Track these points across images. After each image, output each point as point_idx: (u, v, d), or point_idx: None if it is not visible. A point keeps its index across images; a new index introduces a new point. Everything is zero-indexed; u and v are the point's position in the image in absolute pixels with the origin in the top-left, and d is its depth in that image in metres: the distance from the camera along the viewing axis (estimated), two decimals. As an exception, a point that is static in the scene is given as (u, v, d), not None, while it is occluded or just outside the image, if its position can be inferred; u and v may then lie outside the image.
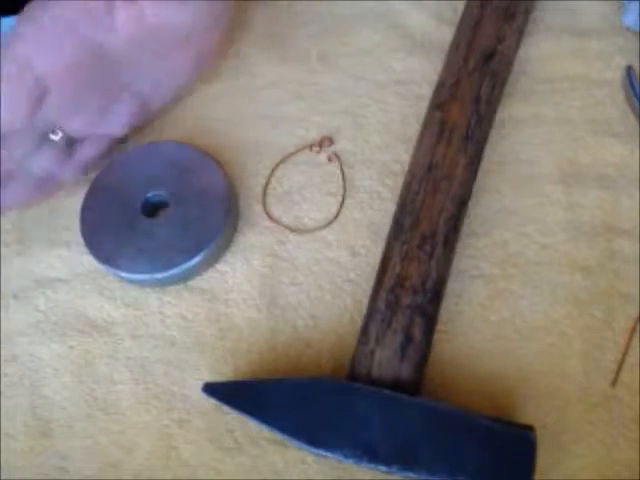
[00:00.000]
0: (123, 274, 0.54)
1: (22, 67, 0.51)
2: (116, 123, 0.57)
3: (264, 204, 0.58)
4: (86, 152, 0.57)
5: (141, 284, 0.55)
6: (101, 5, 0.51)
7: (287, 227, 0.57)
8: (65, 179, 0.57)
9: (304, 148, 0.59)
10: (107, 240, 0.55)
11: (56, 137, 0.54)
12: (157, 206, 0.57)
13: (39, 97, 0.51)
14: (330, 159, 0.59)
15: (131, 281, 0.55)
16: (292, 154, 0.59)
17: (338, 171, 0.58)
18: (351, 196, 0.57)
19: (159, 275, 0.54)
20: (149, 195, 0.56)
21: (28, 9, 0.51)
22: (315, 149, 0.59)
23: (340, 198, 0.57)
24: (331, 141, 0.59)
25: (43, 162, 0.55)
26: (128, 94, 0.56)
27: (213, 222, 0.55)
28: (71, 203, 0.59)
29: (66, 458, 0.51)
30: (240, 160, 0.60)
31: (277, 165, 0.59)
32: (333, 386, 0.47)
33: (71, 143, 0.56)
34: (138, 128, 0.60)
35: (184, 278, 0.55)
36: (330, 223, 0.56)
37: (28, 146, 0.54)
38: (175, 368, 0.53)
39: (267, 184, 0.59)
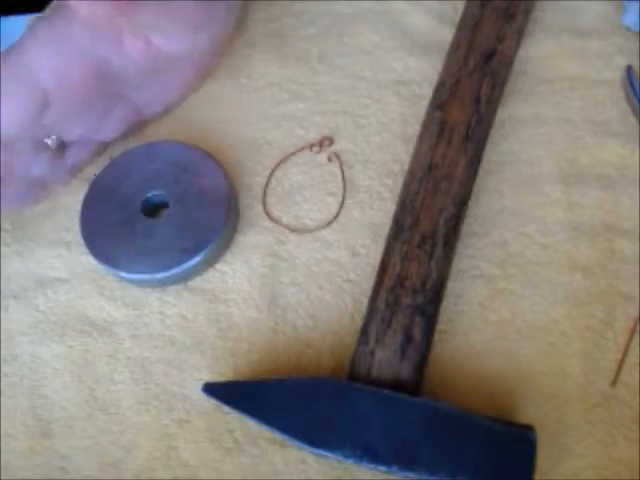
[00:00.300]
0: (123, 274, 0.54)
1: (29, 78, 0.52)
2: (109, 130, 0.58)
3: (264, 204, 0.58)
4: (76, 156, 0.58)
5: (141, 284, 0.55)
6: (110, 32, 0.53)
7: (287, 227, 0.57)
8: (55, 183, 0.59)
9: (304, 148, 0.59)
10: (107, 240, 0.55)
11: (50, 141, 0.55)
12: (157, 206, 0.57)
13: (42, 108, 0.52)
14: (330, 159, 0.59)
15: (131, 281, 0.55)
16: (292, 154, 0.59)
17: (338, 171, 0.58)
18: (351, 196, 0.57)
19: (159, 275, 0.54)
20: (149, 195, 0.56)
21: (38, 25, 0.53)
22: (315, 149, 0.59)
23: (340, 198, 0.57)
24: (331, 141, 0.59)
25: (37, 166, 0.56)
26: (124, 104, 0.57)
27: (213, 222, 0.55)
28: (71, 203, 0.59)
29: (66, 458, 0.51)
30: (240, 160, 0.60)
31: (277, 165, 0.59)
32: (333, 386, 0.47)
33: (63, 147, 0.57)
34: (131, 132, 0.61)
35: (184, 278, 0.55)
36: (330, 223, 0.56)
37: (25, 152, 0.54)
38: (175, 368, 0.53)
39: (267, 184, 0.59)
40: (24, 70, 0.52)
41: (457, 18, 0.61)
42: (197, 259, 0.54)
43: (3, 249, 0.58)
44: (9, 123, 0.51)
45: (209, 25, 0.58)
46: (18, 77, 0.52)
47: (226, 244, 0.56)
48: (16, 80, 0.52)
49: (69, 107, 0.54)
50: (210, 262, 0.55)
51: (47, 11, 0.54)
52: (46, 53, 0.52)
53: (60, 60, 0.52)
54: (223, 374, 0.52)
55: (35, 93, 0.52)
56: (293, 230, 0.56)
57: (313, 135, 0.60)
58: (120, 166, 0.58)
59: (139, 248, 0.54)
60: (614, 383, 0.49)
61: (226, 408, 0.49)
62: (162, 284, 0.55)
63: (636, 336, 0.50)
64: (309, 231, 0.56)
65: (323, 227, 0.56)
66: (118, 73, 0.55)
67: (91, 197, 0.57)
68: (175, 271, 0.54)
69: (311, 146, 0.59)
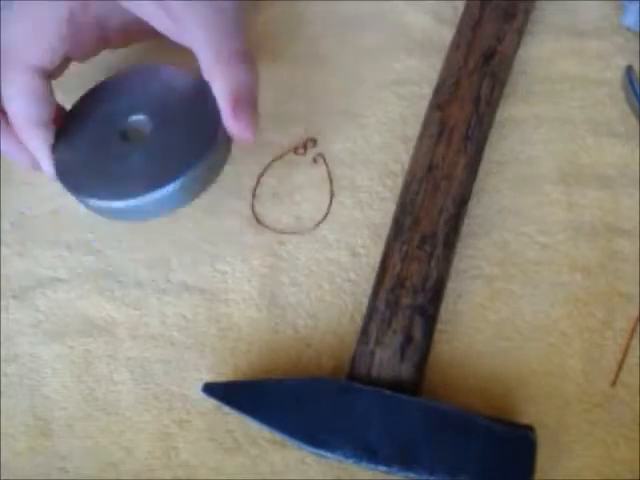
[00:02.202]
0: (94, 201, 0.51)
1: None
2: None
3: (252, 206, 0.57)
4: None
5: (114, 215, 0.51)
6: None
7: (286, 227, 0.57)
8: None
9: (289, 150, 0.59)
10: (79, 167, 0.52)
11: None
12: (138, 132, 0.53)
13: None
14: (315, 160, 0.59)
15: (102, 211, 0.51)
16: (280, 156, 0.59)
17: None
18: (351, 196, 0.57)
19: (132, 202, 0.49)
20: (131, 120, 0.53)
21: None
22: (300, 151, 0.59)
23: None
24: (314, 142, 0.59)
25: None
26: None
27: (195, 150, 0.50)
28: (72, 203, 0.59)
29: (66, 458, 0.51)
30: (239, 159, 0.59)
31: (268, 165, 0.59)
32: (333, 386, 0.47)
33: None
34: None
35: (160, 208, 0.51)
36: (320, 222, 0.56)
37: None
38: (175, 368, 0.53)
39: (257, 184, 0.58)
40: None
41: (457, 18, 0.61)
42: (172, 187, 0.49)
43: (3, 249, 0.58)
44: None
45: None
46: None
47: (210, 177, 0.52)
48: None
49: None
50: (189, 193, 0.51)
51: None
52: None
53: None
54: (223, 374, 0.52)
55: None
56: (289, 231, 0.56)
57: (312, 135, 0.60)
58: (105, 89, 0.55)
59: (112, 174, 0.50)
60: (614, 383, 0.49)
61: (226, 408, 0.49)
62: (137, 215, 0.51)
63: (636, 336, 0.50)
64: (305, 231, 0.56)
65: (317, 223, 0.56)
66: None
67: (71, 120, 0.54)
68: (149, 198, 0.49)
69: (295, 149, 0.59)
